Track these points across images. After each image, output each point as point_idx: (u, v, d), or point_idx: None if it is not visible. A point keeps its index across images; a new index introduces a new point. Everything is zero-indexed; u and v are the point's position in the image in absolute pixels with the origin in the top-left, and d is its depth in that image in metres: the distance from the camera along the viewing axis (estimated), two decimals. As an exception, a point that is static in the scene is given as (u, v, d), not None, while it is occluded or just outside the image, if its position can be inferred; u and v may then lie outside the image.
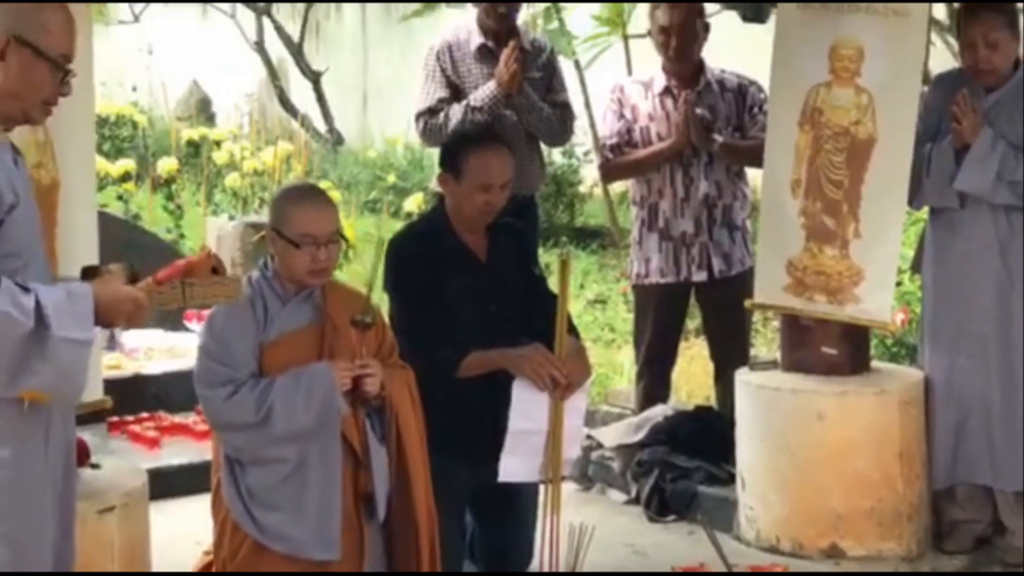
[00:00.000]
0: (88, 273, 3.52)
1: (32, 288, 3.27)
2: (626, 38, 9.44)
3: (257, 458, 4.25)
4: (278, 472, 4.22)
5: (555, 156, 11.04)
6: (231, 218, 9.71)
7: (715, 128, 6.34)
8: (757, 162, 6.02)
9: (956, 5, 7.26)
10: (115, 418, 6.71)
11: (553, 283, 4.83)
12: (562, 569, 4.75)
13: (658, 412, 6.55)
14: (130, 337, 7.39)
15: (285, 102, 14.84)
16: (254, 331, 4.26)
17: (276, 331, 4.27)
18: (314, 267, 4.27)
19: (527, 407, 4.59)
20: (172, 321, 7.65)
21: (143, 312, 3.46)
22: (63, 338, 3.27)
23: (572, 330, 4.83)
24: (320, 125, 14.68)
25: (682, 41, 6.36)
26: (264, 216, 9.70)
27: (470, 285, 4.72)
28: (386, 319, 4.59)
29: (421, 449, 4.40)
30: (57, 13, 3.45)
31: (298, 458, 4.21)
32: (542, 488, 4.81)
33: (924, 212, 6.00)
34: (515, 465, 4.63)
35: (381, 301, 4.90)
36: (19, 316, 3.21)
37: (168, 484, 5.98)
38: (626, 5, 9.45)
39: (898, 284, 6.61)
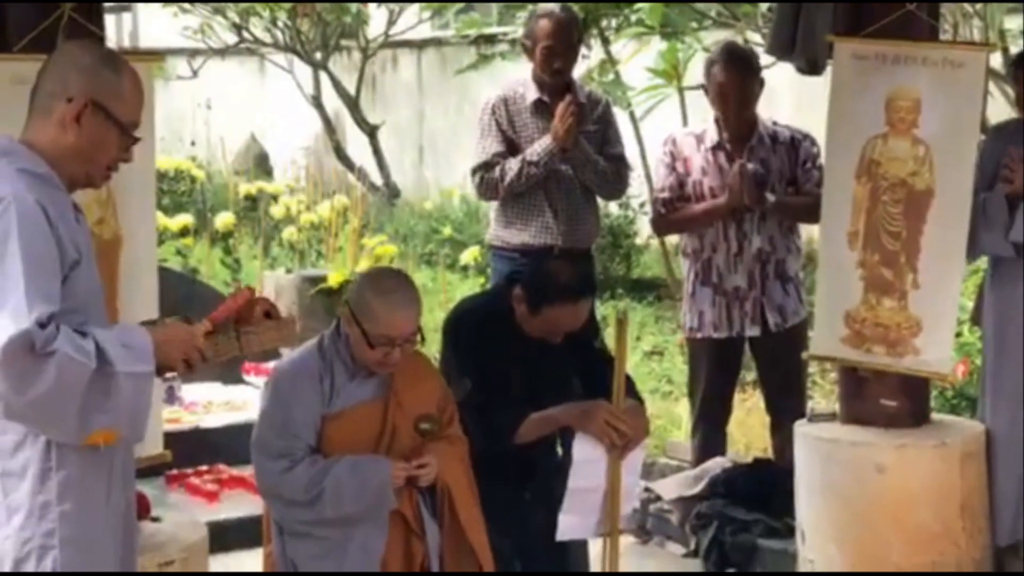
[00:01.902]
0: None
1: (88, 331, 3.31)
2: (681, 90, 9.45)
3: (298, 532, 4.25)
4: (317, 548, 4.23)
5: (611, 208, 11.05)
6: (288, 271, 9.78)
7: (768, 183, 6.33)
8: (810, 218, 6.00)
9: (1013, 55, 7.24)
10: (174, 471, 6.74)
11: (610, 340, 4.83)
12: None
13: (716, 464, 6.53)
14: (189, 391, 7.44)
15: (342, 155, 14.94)
16: (319, 403, 4.23)
17: (341, 404, 4.25)
18: (384, 362, 4.21)
19: (586, 466, 4.59)
20: (230, 375, 7.68)
21: (198, 349, 3.47)
22: (127, 373, 3.31)
23: (634, 394, 4.83)
24: (376, 178, 14.76)
25: (739, 102, 6.34)
26: (321, 269, 9.81)
27: (525, 372, 4.72)
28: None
29: (480, 524, 4.39)
30: (133, 82, 3.51)
31: (339, 540, 4.21)
32: (595, 541, 4.82)
33: (983, 262, 5.96)
34: (573, 523, 4.64)
35: (436, 350, 4.91)
36: (82, 358, 3.25)
37: (227, 537, 5.99)
38: (681, 58, 9.45)
39: (958, 335, 6.56)
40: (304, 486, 4.16)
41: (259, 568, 4.51)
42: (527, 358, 4.72)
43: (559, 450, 5.02)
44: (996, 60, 8.27)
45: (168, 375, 3.57)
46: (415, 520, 4.28)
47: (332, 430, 4.23)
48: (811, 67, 5.96)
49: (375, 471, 4.17)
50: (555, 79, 6.42)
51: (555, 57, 6.39)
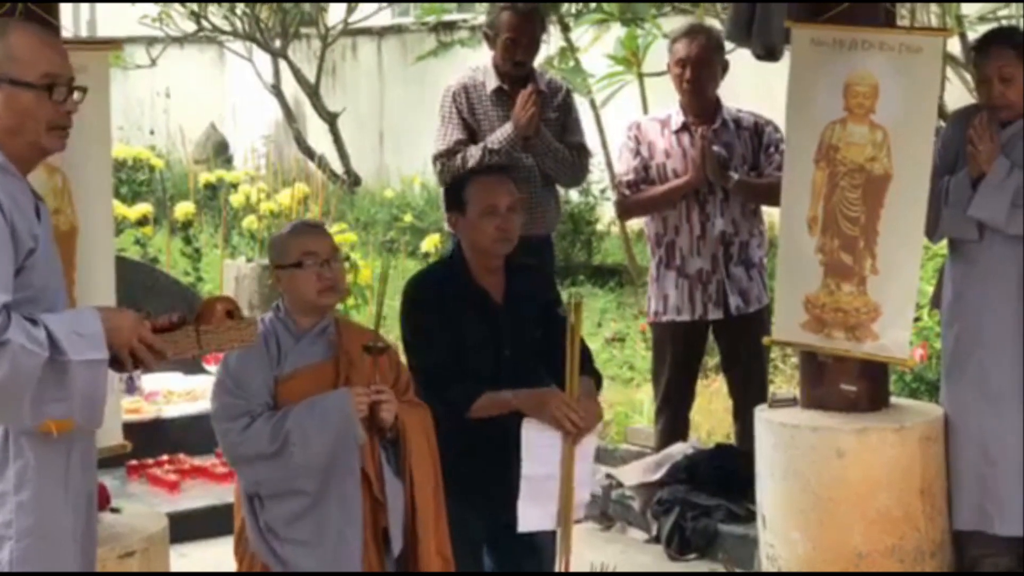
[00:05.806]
0: None
1: (39, 319, 3.29)
2: (641, 77, 9.46)
3: (275, 492, 4.24)
4: (296, 506, 4.22)
5: (572, 195, 11.05)
6: (249, 260, 9.74)
7: (731, 166, 6.35)
8: (773, 200, 6.02)
9: (971, 40, 7.27)
10: (135, 462, 6.72)
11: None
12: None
13: (678, 450, 6.54)
14: (149, 381, 7.40)
15: (302, 143, 14.89)
16: (268, 366, 4.28)
17: (290, 366, 4.30)
18: (321, 285, 4.29)
19: (538, 451, 4.54)
20: (191, 364, 7.65)
21: (143, 339, 3.43)
22: (80, 361, 3.30)
23: (594, 373, 4.81)
24: (337, 166, 14.72)
25: (699, 74, 6.37)
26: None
27: (485, 330, 4.68)
28: (401, 358, 4.59)
29: (434, 489, 4.38)
30: (21, 37, 3.44)
31: (316, 492, 4.20)
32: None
33: (943, 247, 5.99)
34: (533, 514, 4.58)
35: (395, 337, 4.89)
36: (34, 348, 3.24)
37: (188, 527, 5.97)
38: (641, 44, 9.46)
39: (917, 320, 6.59)
40: (268, 437, 4.18)
41: (223, 556, 4.49)
42: (486, 318, 4.70)
43: None
44: (954, 46, 8.30)
45: (124, 373, 3.55)
46: (378, 482, 4.28)
47: (286, 391, 4.27)
48: (768, 53, 5.97)
49: (336, 402, 4.21)
50: (516, 71, 6.42)
51: (517, 49, 6.39)
